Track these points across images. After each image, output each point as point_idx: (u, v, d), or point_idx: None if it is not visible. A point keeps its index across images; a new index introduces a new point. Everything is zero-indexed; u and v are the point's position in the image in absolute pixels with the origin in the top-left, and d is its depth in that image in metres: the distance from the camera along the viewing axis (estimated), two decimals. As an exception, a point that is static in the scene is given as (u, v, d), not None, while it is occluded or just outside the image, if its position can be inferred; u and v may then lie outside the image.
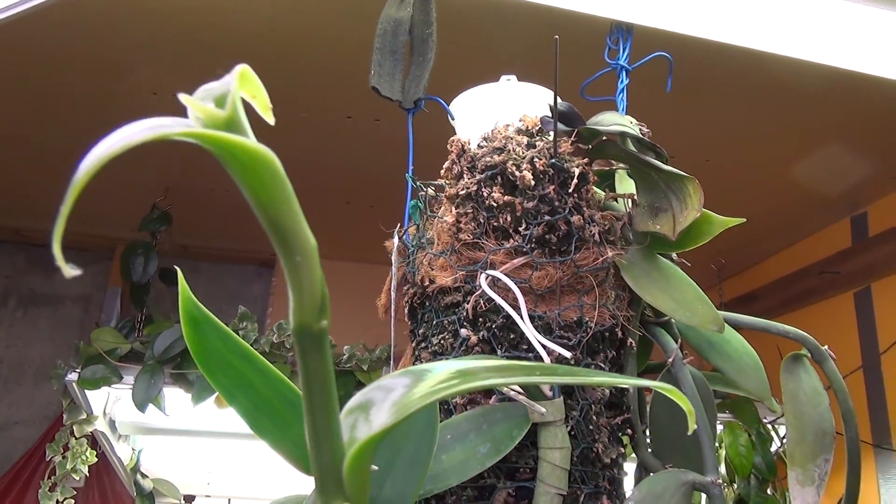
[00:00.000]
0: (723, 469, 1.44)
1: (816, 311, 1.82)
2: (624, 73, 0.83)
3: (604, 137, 0.56)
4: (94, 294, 2.27)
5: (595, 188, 0.63)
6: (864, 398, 1.64)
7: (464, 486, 0.53)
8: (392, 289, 0.63)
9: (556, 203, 0.54)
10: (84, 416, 1.30)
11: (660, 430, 0.60)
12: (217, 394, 1.22)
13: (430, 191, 0.63)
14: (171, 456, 1.77)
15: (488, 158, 0.55)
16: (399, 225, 0.65)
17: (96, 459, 1.41)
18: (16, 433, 2.07)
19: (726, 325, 0.62)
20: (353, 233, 1.95)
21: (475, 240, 0.56)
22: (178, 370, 1.22)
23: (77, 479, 1.38)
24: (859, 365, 1.67)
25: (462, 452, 0.50)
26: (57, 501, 1.35)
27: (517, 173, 0.52)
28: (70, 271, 0.14)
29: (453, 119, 0.71)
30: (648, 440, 0.61)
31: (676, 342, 0.59)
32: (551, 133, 0.56)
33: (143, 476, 1.67)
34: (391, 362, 0.67)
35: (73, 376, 1.21)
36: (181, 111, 0.20)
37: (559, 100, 0.59)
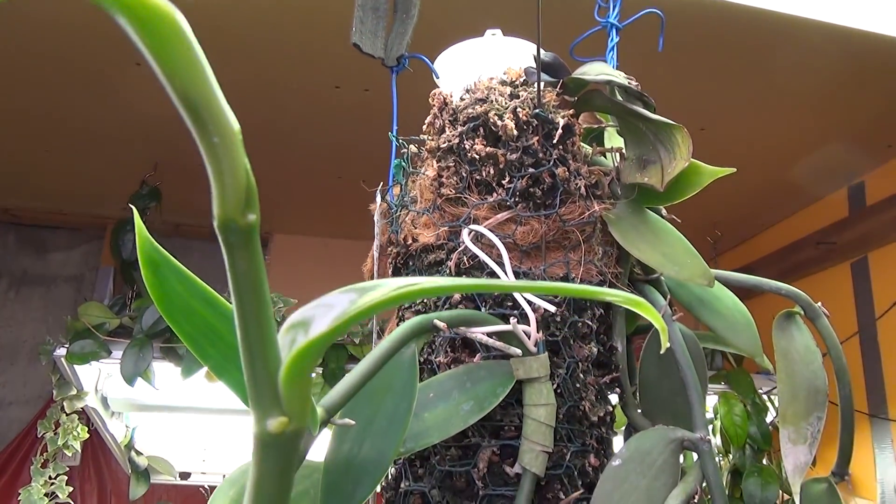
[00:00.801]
0: (718, 440, 1.44)
1: (813, 282, 1.81)
2: (614, 31, 0.81)
3: (590, 87, 0.55)
4: (87, 274, 2.26)
5: (583, 143, 0.61)
6: (861, 369, 1.64)
7: (448, 446, 0.51)
8: (375, 249, 0.62)
9: (541, 155, 0.52)
10: (74, 392, 1.29)
11: (649, 390, 0.59)
12: (207, 368, 1.21)
13: (413, 148, 0.61)
14: (166, 433, 1.76)
15: (470, 110, 0.53)
16: (382, 184, 0.64)
17: (88, 436, 1.40)
18: (10, 413, 2.07)
19: (717, 282, 0.61)
20: (346, 209, 1.93)
21: (458, 194, 0.54)
22: (168, 344, 1.21)
23: (69, 455, 1.37)
24: (855, 333, 1.66)
25: (445, 410, 0.49)
26: (49, 478, 1.34)
27: (499, 122, 0.51)
28: None
29: (438, 77, 0.69)
30: (638, 400, 0.60)
31: (666, 299, 0.57)
32: (536, 84, 0.54)
33: (138, 454, 1.66)
34: (373, 332, 0.66)
35: (61, 351, 1.20)
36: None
37: (544, 51, 0.57)
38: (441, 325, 0.45)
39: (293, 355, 0.16)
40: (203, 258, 2.26)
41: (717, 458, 1.50)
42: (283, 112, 1.50)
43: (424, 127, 0.59)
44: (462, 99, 0.56)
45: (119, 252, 1.56)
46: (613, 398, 0.59)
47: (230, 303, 0.27)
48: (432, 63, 0.70)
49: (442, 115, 0.56)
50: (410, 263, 0.59)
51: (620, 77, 0.55)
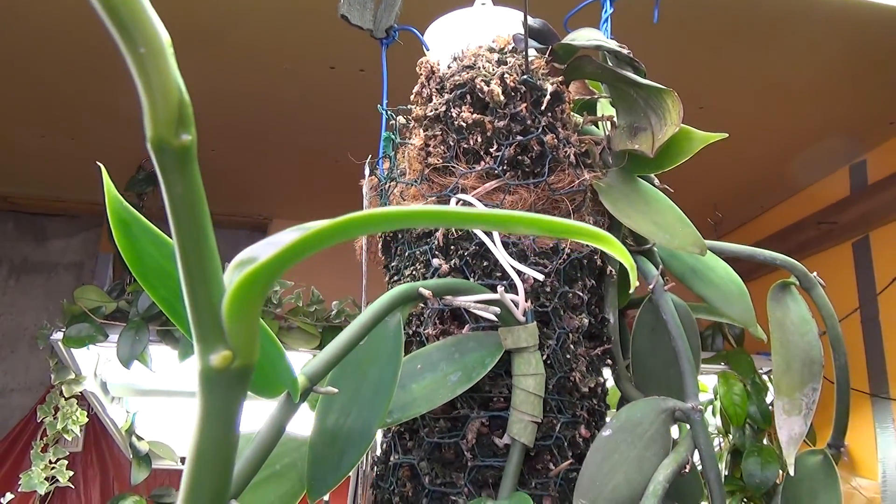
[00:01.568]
0: (718, 420, 1.44)
1: (814, 262, 1.80)
2: (608, 2, 0.80)
3: (580, 54, 0.54)
4: (87, 261, 2.26)
5: (574, 113, 0.60)
6: (862, 348, 1.63)
7: (437, 418, 0.51)
8: (364, 222, 0.61)
9: (529, 122, 0.52)
10: (72, 376, 1.29)
11: (642, 363, 0.58)
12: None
13: (402, 119, 0.60)
14: (167, 418, 1.76)
15: (457, 77, 0.53)
16: (370, 157, 0.63)
17: (87, 420, 1.40)
18: (12, 400, 2.08)
19: (710, 252, 0.60)
20: (344, 194, 1.92)
21: (445, 164, 0.53)
22: (164, 327, 1.21)
23: (69, 439, 1.37)
24: (856, 310, 1.65)
25: (432, 381, 0.49)
26: (49, 462, 1.35)
27: (486, 88, 0.50)
28: None
29: (428, 49, 0.68)
30: (631, 374, 0.59)
31: (658, 270, 0.56)
32: (524, 50, 0.53)
33: (139, 439, 1.67)
34: (362, 305, 0.65)
35: (58, 335, 1.20)
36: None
37: (532, 18, 0.56)
38: (426, 292, 0.44)
39: (236, 284, 0.15)
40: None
41: (717, 439, 1.49)
42: (278, 93, 1.49)
43: (412, 97, 0.58)
44: (449, 67, 0.55)
45: (116, 237, 1.56)
46: (607, 372, 0.59)
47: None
48: (422, 35, 0.68)
49: (429, 84, 0.55)
50: (399, 236, 0.58)
51: (611, 42, 0.54)
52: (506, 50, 0.55)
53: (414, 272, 0.56)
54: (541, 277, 0.49)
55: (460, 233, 0.53)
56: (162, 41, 0.13)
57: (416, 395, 0.48)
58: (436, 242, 0.54)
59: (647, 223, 0.52)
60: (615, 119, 0.56)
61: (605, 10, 0.80)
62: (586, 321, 0.54)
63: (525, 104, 0.51)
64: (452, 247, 0.53)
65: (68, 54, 1.37)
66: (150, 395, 1.60)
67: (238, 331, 0.15)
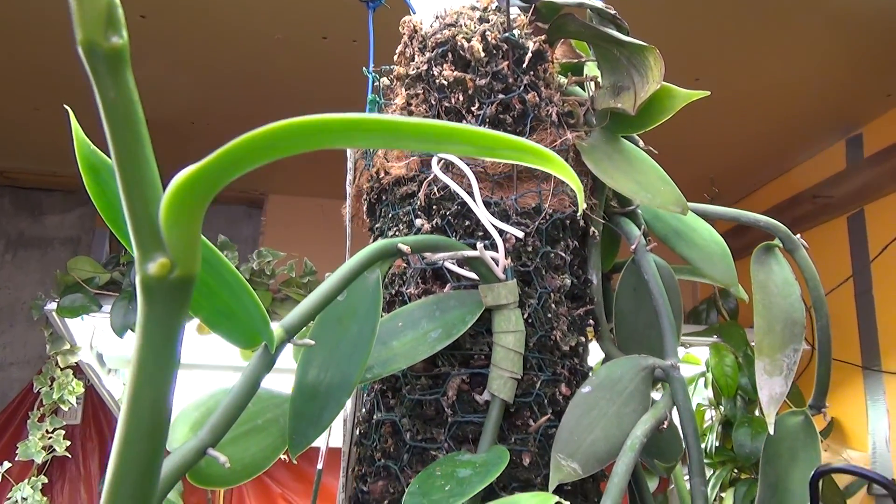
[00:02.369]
0: (709, 391, 1.45)
1: (809, 237, 1.79)
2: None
3: (563, 12, 0.53)
4: (83, 236, 2.26)
5: (559, 74, 0.60)
6: (855, 322, 1.63)
7: (418, 376, 0.51)
8: (348, 185, 0.61)
9: (511, 80, 0.51)
10: (67, 346, 1.30)
11: (625, 324, 0.59)
12: (198, 321, 1.21)
13: (385, 80, 0.60)
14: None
15: (439, 35, 0.52)
16: (355, 118, 0.63)
17: (83, 391, 1.41)
18: (11, 374, 2.09)
19: (693, 214, 0.60)
20: (339, 167, 1.92)
21: (427, 123, 0.53)
22: (157, 297, 1.21)
23: (66, 409, 1.38)
24: (851, 291, 1.65)
25: (413, 338, 0.49)
26: (46, 432, 1.36)
27: (467, 45, 0.49)
28: None
29: (414, 12, 0.68)
30: (614, 335, 0.59)
31: (641, 230, 0.57)
32: (506, 8, 0.53)
33: (136, 411, 1.68)
34: (346, 253, 0.65)
35: (52, 306, 1.20)
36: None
37: (517, -24, 0.55)
38: (404, 247, 0.45)
39: (172, 187, 0.15)
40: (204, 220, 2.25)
41: (708, 411, 1.50)
42: (270, 64, 1.48)
43: (395, 57, 0.58)
44: (432, 26, 0.55)
45: (111, 210, 1.55)
46: (591, 335, 0.59)
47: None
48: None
49: (412, 44, 0.55)
50: (384, 198, 0.59)
51: (595, 1, 0.53)
52: (489, 8, 0.55)
53: (397, 233, 0.56)
54: (521, 235, 0.49)
55: (443, 193, 0.53)
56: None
57: (397, 351, 0.48)
58: (418, 203, 0.54)
59: (630, 182, 0.52)
60: (599, 79, 0.56)
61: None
62: (568, 282, 0.55)
63: (507, 62, 0.51)
64: (435, 207, 0.53)
65: (59, 23, 1.36)
66: (146, 367, 1.61)
67: (176, 239, 0.15)
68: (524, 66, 0.51)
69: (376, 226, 0.60)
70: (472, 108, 0.52)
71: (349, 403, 0.58)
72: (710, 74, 1.51)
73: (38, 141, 1.93)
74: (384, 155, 0.58)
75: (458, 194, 0.52)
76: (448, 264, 0.52)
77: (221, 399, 0.40)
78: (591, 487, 0.53)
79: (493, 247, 0.50)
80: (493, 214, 0.51)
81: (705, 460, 1.35)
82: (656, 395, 0.51)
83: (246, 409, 0.41)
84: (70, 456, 1.50)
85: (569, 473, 0.46)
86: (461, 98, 0.52)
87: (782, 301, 0.59)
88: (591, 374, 0.56)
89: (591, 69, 0.63)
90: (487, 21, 0.52)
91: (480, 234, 0.52)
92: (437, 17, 0.55)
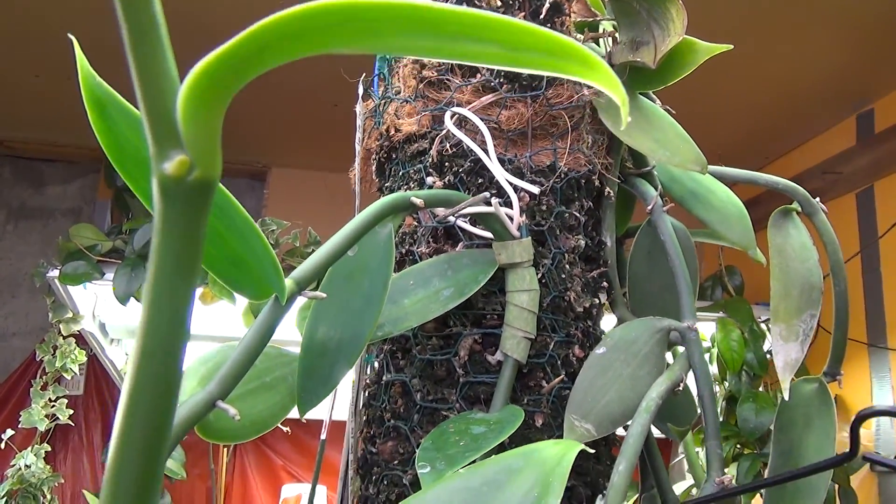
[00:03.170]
0: (714, 367, 1.44)
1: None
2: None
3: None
4: (84, 207, 2.25)
5: (575, 31, 0.58)
6: (862, 299, 1.62)
7: (429, 336, 0.50)
8: (357, 142, 0.60)
9: (527, 32, 0.50)
10: (70, 314, 1.29)
11: (638, 287, 0.57)
12: (202, 289, 1.21)
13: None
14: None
15: (454, -15, 0.50)
16: (364, 75, 0.61)
17: (86, 360, 1.40)
18: (13, 344, 2.09)
19: (711, 177, 0.59)
20: (344, 140, 1.90)
21: (440, 77, 0.52)
22: (160, 265, 1.20)
23: (68, 378, 1.38)
24: (859, 268, 1.64)
25: (425, 296, 0.48)
26: (49, 400, 1.35)
27: (482, -6, 0.48)
28: None
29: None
30: (627, 299, 0.58)
31: (657, 192, 0.55)
32: (524, -42, 0.51)
33: (139, 381, 1.67)
34: (355, 210, 0.64)
35: (54, 273, 1.19)
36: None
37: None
38: (417, 201, 0.43)
39: (192, 76, 0.14)
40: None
41: (713, 384, 1.50)
42: None
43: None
44: (446, -24, 0.53)
45: (114, 179, 1.54)
46: (604, 298, 0.58)
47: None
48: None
49: (425, -5, 0.53)
50: (393, 156, 0.57)
51: (614, -49, 0.51)
52: (505, -41, 0.53)
53: (407, 191, 0.54)
54: (536, 191, 0.47)
55: (455, 150, 0.52)
56: None
57: (408, 309, 0.47)
58: (430, 160, 0.53)
59: (648, 140, 0.51)
60: (617, 35, 0.54)
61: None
62: (582, 242, 0.54)
63: (523, 13, 0.50)
64: (447, 164, 0.52)
65: (60, -12, 1.34)
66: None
67: (195, 135, 0.14)
68: (541, 17, 0.50)
69: (386, 185, 0.58)
70: (487, 62, 0.50)
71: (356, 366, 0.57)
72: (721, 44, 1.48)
73: (40, 109, 1.91)
74: (394, 112, 0.56)
75: (471, 151, 0.51)
76: (460, 222, 0.51)
77: (229, 354, 0.39)
78: (604, 451, 0.53)
79: (507, 204, 0.49)
80: (507, 172, 0.50)
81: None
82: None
83: (254, 366, 0.40)
84: (73, 424, 1.50)
85: (582, 434, 0.45)
86: (476, 51, 0.50)
87: (799, 266, 0.58)
88: (603, 336, 0.55)
89: (606, 26, 0.61)
90: (504, -29, 0.50)
91: (494, 191, 0.51)
92: (451, -32, 0.53)
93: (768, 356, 1.44)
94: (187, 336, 0.16)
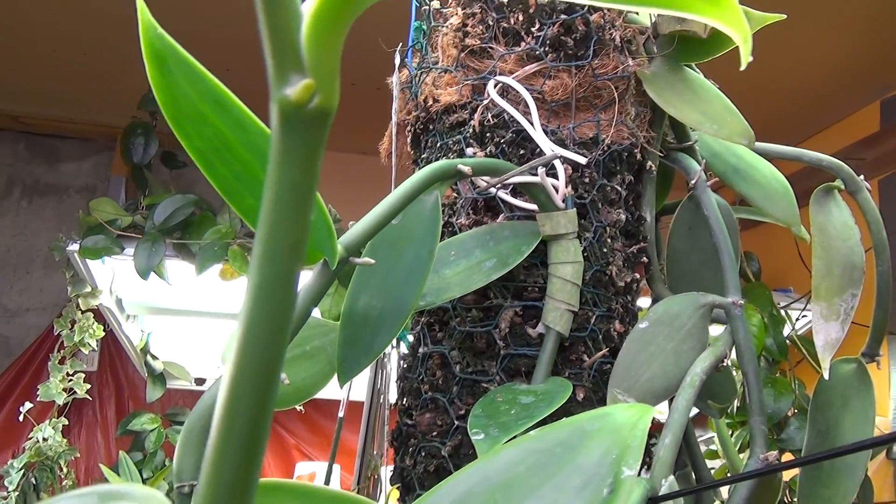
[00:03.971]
0: (733, 353, 1.43)
1: (836, 200, 1.76)
2: None
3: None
4: (99, 184, 2.24)
5: None
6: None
7: (468, 308, 0.50)
8: (393, 112, 0.59)
9: None
10: (88, 289, 1.29)
11: (677, 263, 0.57)
12: (222, 265, 1.20)
13: (435, 3, 0.57)
14: (182, 339, 1.78)
15: (499, -50, 0.49)
16: (400, 45, 0.60)
17: (104, 333, 1.41)
18: (27, 320, 2.10)
19: (753, 153, 0.58)
20: (361, 121, 1.88)
21: (483, 45, 0.51)
22: (180, 240, 1.20)
23: (86, 353, 1.38)
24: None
25: (467, 267, 0.47)
26: (67, 374, 1.36)
27: (531, -42, 0.47)
28: None
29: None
30: (664, 275, 0.57)
31: (700, 166, 0.54)
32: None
33: (154, 358, 1.68)
34: (391, 184, 0.63)
35: (74, 247, 1.19)
36: None
37: None
38: (466, 168, 0.43)
39: (316, 6, 0.13)
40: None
41: (732, 371, 1.49)
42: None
43: (448, -22, 0.55)
44: (490, -58, 0.52)
45: (130, 155, 1.54)
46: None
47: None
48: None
49: (468, -38, 0.52)
50: (430, 127, 0.56)
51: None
52: (551, -75, 0.52)
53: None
54: (583, 161, 0.47)
55: (496, 120, 0.51)
56: None
57: (451, 280, 0.47)
58: (470, 130, 0.52)
59: (694, 112, 0.50)
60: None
61: None
62: (623, 217, 0.53)
63: (571, -20, 0.48)
64: (488, 134, 0.51)
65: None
66: (165, 314, 1.61)
67: (318, 60, 0.13)
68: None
69: (422, 156, 0.57)
70: (532, 29, 0.49)
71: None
72: (746, 28, 1.46)
73: (56, 84, 1.91)
74: (432, 82, 0.55)
75: (513, 121, 0.50)
76: (502, 194, 0.50)
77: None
78: (641, 427, 0.52)
79: (552, 176, 0.48)
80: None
81: (726, 420, 1.35)
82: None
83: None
84: (90, 399, 1.50)
85: (626, 408, 0.44)
86: (521, 17, 0.49)
87: (841, 244, 0.57)
88: (645, 311, 0.54)
89: None
90: (551, -64, 0.49)
91: (536, 163, 0.50)
92: (495, -66, 0.52)
93: (788, 342, 1.43)
94: (302, 266, 0.16)
